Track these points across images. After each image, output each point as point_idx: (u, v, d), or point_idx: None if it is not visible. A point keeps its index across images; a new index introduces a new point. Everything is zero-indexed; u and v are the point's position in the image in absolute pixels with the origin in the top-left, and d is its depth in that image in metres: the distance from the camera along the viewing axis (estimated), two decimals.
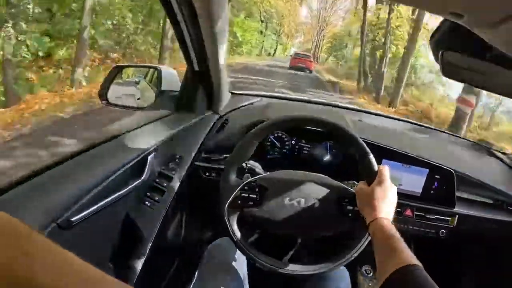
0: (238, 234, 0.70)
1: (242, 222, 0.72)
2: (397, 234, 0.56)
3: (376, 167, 0.69)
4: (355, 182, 0.78)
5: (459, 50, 0.47)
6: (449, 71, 0.51)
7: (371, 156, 0.69)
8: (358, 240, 0.69)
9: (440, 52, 0.49)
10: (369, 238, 0.65)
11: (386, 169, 0.68)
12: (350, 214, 0.70)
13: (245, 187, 0.71)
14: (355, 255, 0.69)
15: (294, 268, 0.70)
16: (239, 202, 0.71)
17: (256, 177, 0.75)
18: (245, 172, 0.81)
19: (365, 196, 0.66)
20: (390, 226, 0.59)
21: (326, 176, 0.75)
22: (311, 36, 47.13)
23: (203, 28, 0.84)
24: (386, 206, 0.63)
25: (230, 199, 0.70)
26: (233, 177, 0.72)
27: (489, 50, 0.44)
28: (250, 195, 0.71)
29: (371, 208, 0.63)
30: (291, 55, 21.44)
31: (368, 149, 0.69)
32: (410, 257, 0.50)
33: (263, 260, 0.69)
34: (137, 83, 1.48)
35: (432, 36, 0.50)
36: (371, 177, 0.68)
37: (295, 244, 0.78)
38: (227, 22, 0.88)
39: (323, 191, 0.72)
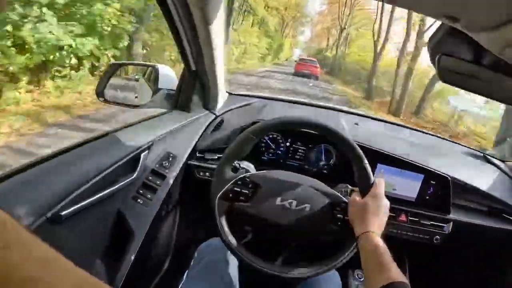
0: (228, 232, 0.70)
1: (232, 221, 0.71)
2: (385, 249, 0.56)
3: (372, 179, 0.68)
4: (348, 185, 0.77)
5: (455, 55, 0.46)
6: (446, 76, 0.50)
7: (368, 166, 0.68)
8: (346, 248, 0.68)
9: (437, 57, 0.48)
10: (357, 248, 0.65)
11: (381, 183, 0.68)
12: (339, 223, 0.69)
13: (239, 182, 0.71)
14: (343, 262, 0.68)
15: (284, 271, 0.69)
16: (231, 195, 0.70)
17: (251, 173, 0.74)
18: (239, 170, 0.81)
19: (358, 208, 0.66)
20: (379, 241, 0.59)
21: (322, 183, 0.74)
22: (324, 31, 31.37)
23: (198, 28, 0.84)
24: (377, 221, 0.63)
25: (222, 191, 0.69)
26: (227, 171, 0.72)
27: (485, 55, 0.44)
28: (243, 190, 0.70)
29: (362, 221, 0.63)
30: (295, 61, 20.62)
31: (365, 158, 0.69)
32: (397, 273, 0.51)
33: (253, 261, 0.69)
34: (136, 80, 1.48)
35: (429, 40, 0.50)
36: (366, 188, 0.68)
37: (287, 246, 0.77)
38: (223, 21, 0.88)
39: (316, 197, 0.71)
